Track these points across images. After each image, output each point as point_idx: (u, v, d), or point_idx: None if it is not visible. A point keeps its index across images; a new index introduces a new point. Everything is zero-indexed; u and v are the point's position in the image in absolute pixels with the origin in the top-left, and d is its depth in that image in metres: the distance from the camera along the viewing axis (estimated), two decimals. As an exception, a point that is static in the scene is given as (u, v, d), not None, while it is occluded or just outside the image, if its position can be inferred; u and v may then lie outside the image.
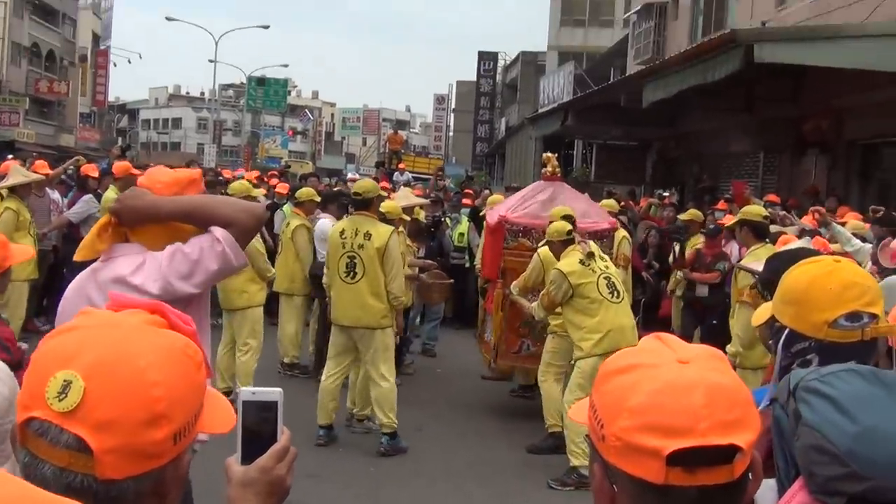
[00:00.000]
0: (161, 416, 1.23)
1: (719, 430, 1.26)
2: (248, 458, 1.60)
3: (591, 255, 7.58)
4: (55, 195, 12.12)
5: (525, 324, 8.91)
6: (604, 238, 9.07)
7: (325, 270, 8.34)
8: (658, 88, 14.73)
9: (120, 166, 11.49)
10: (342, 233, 7.83)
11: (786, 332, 2.16)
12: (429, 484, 7.30)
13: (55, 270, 11.60)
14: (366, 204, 7.94)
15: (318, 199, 10.84)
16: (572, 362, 7.54)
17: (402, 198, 10.71)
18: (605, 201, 11.98)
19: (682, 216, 12.09)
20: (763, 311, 2.33)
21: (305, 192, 11.01)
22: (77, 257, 2.96)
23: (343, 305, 7.79)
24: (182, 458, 1.30)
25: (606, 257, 8.04)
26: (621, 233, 10.63)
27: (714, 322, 9.50)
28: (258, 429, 1.61)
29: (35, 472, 1.18)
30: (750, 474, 1.34)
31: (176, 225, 2.97)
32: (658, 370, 1.31)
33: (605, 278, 7.49)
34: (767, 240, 7.73)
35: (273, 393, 1.63)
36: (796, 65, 12.90)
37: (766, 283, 2.70)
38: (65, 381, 1.19)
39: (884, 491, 1.58)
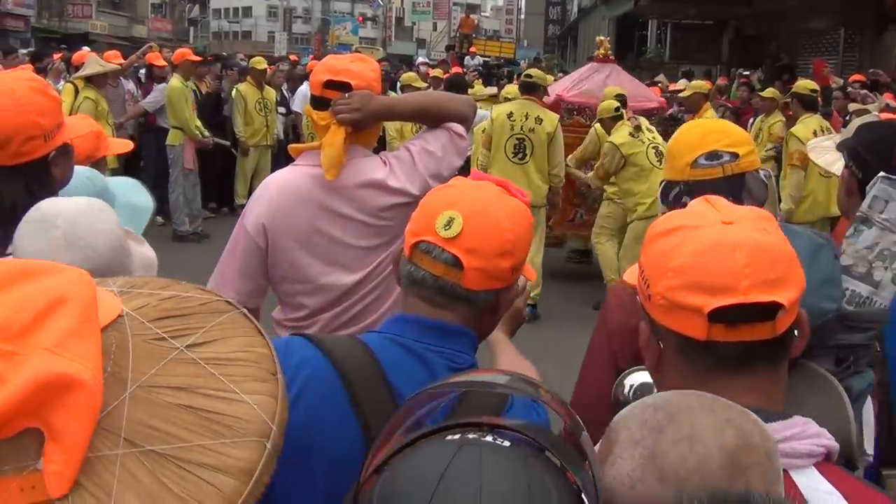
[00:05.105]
0: (509, 252, 1.69)
1: (761, 288, 1.28)
2: None
3: (638, 128, 8.06)
4: (129, 85, 12.26)
5: (578, 194, 9.51)
6: (652, 115, 9.51)
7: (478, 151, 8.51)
8: (735, -37, 14.24)
9: (178, 52, 11.50)
10: (510, 115, 8.15)
11: (663, 183, 2.40)
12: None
13: (131, 161, 11.78)
14: (535, 88, 8.37)
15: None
16: (628, 222, 8.12)
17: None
18: (696, 82, 12.21)
19: (763, 94, 11.75)
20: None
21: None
22: (330, 177, 2.76)
23: None
24: (513, 286, 1.78)
25: (654, 129, 8.45)
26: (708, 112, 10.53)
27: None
28: None
29: (415, 276, 1.69)
30: (796, 331, 1.37)
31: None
32: (701, 231, 1.34)
33: (653, 147, 8.01)
34: (816, 112, 8.47)
35: None
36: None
37: (854, 153, 2.60)
38: (450, 217, 1.67)
39: None
